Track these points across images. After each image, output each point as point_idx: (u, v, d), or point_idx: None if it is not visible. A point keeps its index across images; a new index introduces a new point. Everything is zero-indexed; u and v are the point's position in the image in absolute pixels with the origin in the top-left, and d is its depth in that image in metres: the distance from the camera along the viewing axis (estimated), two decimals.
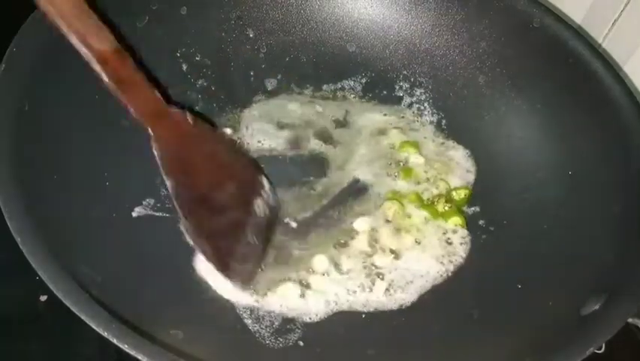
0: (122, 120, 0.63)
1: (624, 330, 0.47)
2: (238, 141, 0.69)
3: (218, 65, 0.72)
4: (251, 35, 0.74)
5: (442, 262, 0.61)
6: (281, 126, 0.71)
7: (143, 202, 0.60)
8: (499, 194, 0.67)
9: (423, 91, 0.74)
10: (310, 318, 0.56)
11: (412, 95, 0.75)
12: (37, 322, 0.56)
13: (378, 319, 0.57)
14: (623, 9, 0.69)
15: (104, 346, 0.41)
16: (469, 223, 0.65)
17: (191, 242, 0.56)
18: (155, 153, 0.54)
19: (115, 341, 0.40)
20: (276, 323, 0.55)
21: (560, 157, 0.65)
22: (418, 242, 0.63)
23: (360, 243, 0.62)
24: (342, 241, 0.62)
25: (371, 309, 0.58)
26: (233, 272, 0.56)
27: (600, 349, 0.46)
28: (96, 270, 0.48)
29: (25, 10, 0.57)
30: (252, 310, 0.55)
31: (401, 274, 0.60)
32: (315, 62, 0.75)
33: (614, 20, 0.70)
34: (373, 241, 0.62)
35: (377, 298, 0.58)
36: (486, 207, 0.66)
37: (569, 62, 0.65)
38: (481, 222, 0.65)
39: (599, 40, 0.72)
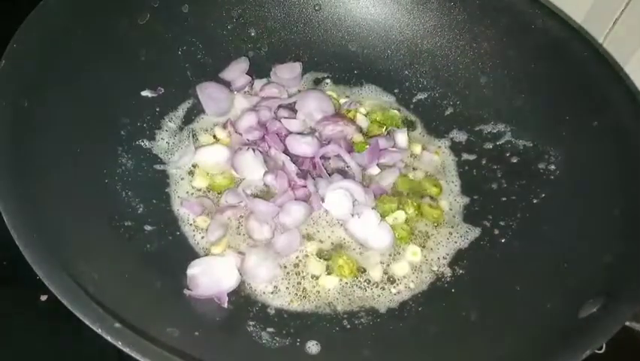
0: (121, 119, 0.63)
1: (625, 330, 0.47)
2: None
3: (220, 64, 0.72)
4: (252, 34, 0.74)
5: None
6: None
7: (143, 201, 0.60)
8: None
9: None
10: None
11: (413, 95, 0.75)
12: (37, 322, 0.56)
13: (375, 319, 0.57)
14: (624, 9, 0.69)
15: (104, 346, 0.41)
16: (469, 223, 0.65)
17: None
18: None
19: (112, 340, 0.41)
20: (273, 323, 0.54)
21: (560, 157, 0.65)
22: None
23: None
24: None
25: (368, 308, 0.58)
26: None
27: (601, 349, 0.47)
28: (95, 269, 0.48)
29: (26, 7, 0.57)
30: (248, 309, 0.55)
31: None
32: (316, 62, 0.75)
33: (615, 20, 0.70)
34: None
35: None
36: (485, 208, 0.66)
37: (570, 63, 0.65)
38: (480, 222, 0.65)
39: (600, 41, 0.72)
